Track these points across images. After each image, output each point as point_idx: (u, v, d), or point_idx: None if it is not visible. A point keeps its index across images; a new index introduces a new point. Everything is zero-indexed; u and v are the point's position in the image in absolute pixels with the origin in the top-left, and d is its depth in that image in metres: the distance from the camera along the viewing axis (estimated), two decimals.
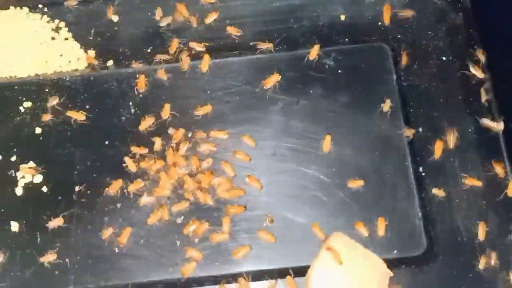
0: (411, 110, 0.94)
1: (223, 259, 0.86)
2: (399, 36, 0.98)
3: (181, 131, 0.92)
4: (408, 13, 0.98)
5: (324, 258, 0.83)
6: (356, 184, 0.88)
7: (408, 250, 0.86)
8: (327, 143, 0.91)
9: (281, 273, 0.85)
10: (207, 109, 0.93)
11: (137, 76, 0.95)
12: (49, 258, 0.86)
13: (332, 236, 0.86)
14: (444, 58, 0.96)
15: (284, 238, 0.87)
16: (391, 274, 0.84)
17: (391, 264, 0.85)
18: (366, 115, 0.93)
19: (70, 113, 0.95)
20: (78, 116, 0.95)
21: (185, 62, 0.96)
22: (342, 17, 0.99)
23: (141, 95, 0.95)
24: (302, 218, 0.88)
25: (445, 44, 0.97)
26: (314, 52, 0.95)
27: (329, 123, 0.93)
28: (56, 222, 0.89)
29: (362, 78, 0.96)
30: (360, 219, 0.87)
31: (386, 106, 0.92)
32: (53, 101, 0.95)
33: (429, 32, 0.98)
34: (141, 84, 0.95)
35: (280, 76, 0.95)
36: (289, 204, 0.89)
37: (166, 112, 0.93)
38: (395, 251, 0.86)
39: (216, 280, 0.85)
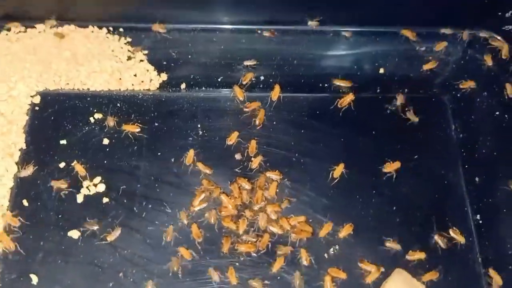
0: (468, 158, 0.98)
1: None
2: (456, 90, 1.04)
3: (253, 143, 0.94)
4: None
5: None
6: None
7: None
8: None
9: None
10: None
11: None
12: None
13: (393, 273, 0.86)
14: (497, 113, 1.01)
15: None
16: None
17: None
18: (421, 159, 0.97)
19: (125, 127, 0.96)
20: (133, 128, 0.96)
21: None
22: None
23: (210, 120, 0.99)
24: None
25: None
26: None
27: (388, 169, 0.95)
28: (115, 233, 0.88)
29: (420, 127, 1.00)
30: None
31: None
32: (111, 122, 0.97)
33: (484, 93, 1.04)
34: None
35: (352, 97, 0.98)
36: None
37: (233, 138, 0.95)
38: None
39: None
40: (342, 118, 1.00)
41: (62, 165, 0.92)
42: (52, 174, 0.92)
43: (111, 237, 0.87)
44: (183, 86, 1.02)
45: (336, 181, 0.93)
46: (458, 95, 1.03)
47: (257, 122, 0.97)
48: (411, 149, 0.98)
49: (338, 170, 0.94)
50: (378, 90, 1.03)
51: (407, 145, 0.98)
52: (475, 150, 0.99)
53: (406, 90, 1.03)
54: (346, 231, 0.89)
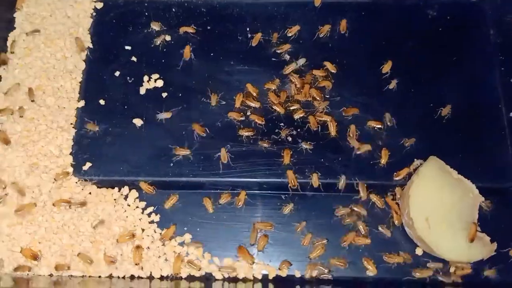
0: (505, 60, 1.02)
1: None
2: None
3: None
4: None
5: (422, 176, 0.90)
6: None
7: (498, 181, 0.93)
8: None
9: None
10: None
11: None
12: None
13: (428, 159, 0.93)
14: None
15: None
16: (482, 198, 0.91)
17: (481, 192, 0.92)
18: (461, 61, 1.02)
19: (182, 28, 1.04)
20: (189, 29, 1.04)
21: None
22: None
23: (258, 24, 1.06)
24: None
25: None
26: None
27: (430, 71, 1.01)
28: (165, 115, 0.97)
29: (461, 32, 1.05)
30: (454, 150, 0.95)
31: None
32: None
33: None
34: None
35: None
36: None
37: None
38: (486, 181, 0.93)
39: None
40: (385, 23, 1.05)
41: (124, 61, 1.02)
42: (115, 70, 1.02)
43: (162, 116, 0.96)
44: None
45: (384, 76, 1.00)
46: (498, 1, 1.07)
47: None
48: (451, 52, 1.03)
49: (387, 66, 1.00)
50: None
51: (447, 48, 1.03)
52: None
53: None
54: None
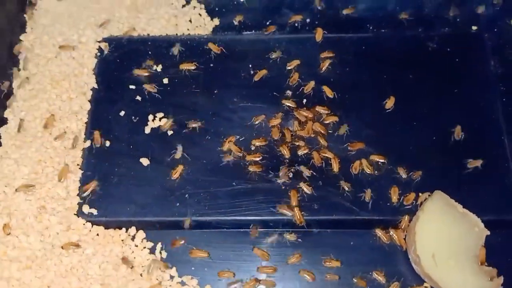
0: (506, 91, 1.03)
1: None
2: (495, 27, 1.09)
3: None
4: None
5: (428, 212, 0.90)
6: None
7: (504, 213, 0.93)
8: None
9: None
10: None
11: None
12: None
13: (433, 194, 0.93)
14: None
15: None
16: (488, 232, 0.91)
17: (487, 225, 0.92)
18: (462, 93, 1.02)
19: (182, 66, 1.05)
20: (189, 66, 1.05)
21: None
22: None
23: (260, 60, 1.07)
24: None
25: None
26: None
27: (432, 104, 1.02)
28: (177, 155, 0.98)
29: (461, 63, 1.05)
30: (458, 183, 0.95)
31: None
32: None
33: None
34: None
35: None
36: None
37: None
38: (492, 214, 0.93)
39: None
40: (386, 56, 1.06)
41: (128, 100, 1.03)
42: (120, 110, 1.03)
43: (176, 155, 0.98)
44: (234, 30, 1.11)
45: (388, 110, 1.01)
46: (495, 29, 1.09)
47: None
48: (452, 84, 1.03)
49: (390, 102, 1.01)
50: (419, 29, 1.09)
51: (448, 80, 1.04)
52: None
53: (446, 28, 1.09)
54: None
